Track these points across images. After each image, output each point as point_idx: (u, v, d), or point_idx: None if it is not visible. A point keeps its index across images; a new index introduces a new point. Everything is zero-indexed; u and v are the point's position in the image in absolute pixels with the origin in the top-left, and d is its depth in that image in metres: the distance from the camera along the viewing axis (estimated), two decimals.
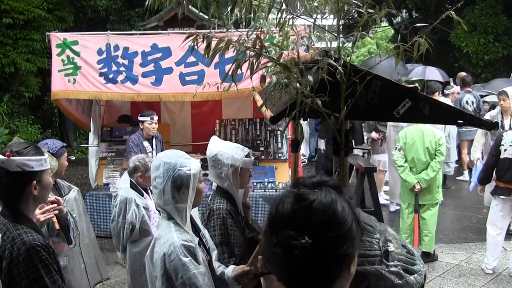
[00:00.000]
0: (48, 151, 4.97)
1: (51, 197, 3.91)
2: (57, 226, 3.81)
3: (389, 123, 10.33)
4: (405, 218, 8.07)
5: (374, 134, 10.84)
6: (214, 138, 4.33)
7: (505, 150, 7.21)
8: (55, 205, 3.77)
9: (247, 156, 4.09)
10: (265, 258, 1.62)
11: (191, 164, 3.30)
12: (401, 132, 8.23)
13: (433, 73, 14.02)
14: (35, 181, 3.05)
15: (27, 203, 3.08)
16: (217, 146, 4.13)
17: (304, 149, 14.77)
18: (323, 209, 1.55)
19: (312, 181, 1.65)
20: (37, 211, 3.66)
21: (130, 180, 5.83)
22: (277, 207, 1.59)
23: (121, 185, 6.11)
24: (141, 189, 5.80)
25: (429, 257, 7.93)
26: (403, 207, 8.15)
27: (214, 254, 3.72)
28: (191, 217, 3.53)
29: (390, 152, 9.95)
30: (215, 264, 3.66)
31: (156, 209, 3.73)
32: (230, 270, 3.63)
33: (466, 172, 12.97)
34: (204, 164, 3.54)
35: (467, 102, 12.86)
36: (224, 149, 4.07)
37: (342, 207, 1.58)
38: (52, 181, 5.10)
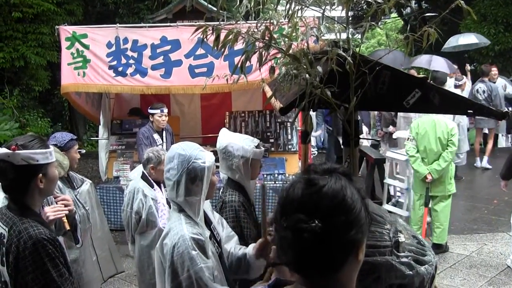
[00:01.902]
0: (56, 145, 5.00)
1: (61, 196, 3.91)
2: (67, 227, 3.81)
3: (399, 115, 10.30)
4: (416, 210, 8.04)
5: (392, 128, 10.83)
6: (224, 130, 4.33)
7: None
8: (66, 203, 3.76)
9: (257, 146, 4.09)
10: (275, 242, 1.63)
11: (205, 157, 3.29)
12: (413, 122, 8.21)
13: (439, 64, 13.75)
14: (40, 174, 3.05)
15: (33, 197, 3.08)
16: (226, 138, 4.14)
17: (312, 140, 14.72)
18: (332, 194, 1.57)
19: (322, 168, 1.67)
20: (47, 209, 3.65)
21: (142, 171, 5.85)
22: (288, 191, 1.61)
23: (133, 176, 6.12)
24: (152, 181, 5.80)
25: (440, 248, 7.91)
26: (414, 198, 8.12)
27: (235, 240, 3.70)
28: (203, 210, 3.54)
29: (400, 143, 9.92)
30: (236, 247, 3.64)
31: (167, 201, 3.73)
32: (251, 249, 3.60)
33: (478, 159, 12.97)
34: (216, 157, 3.54)
35: (477, 91, 12.78)
36: (234, 141, 4.07)
37: (352, 193, 1.61)
38: (65, 174, 5.16)
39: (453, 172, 8.12)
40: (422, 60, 14.08)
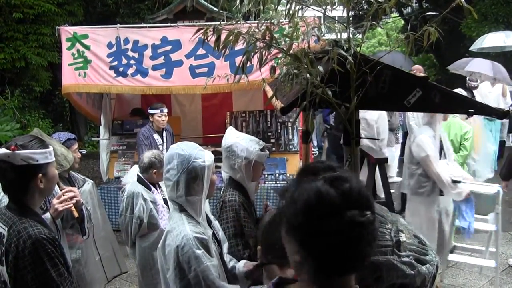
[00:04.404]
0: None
1: (67, 187, 3.93)
2: (76, 214, 3.82)
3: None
4: None
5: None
6: (231, 129, 4.34)
7: None
8: (73, 194, 3.78)
9: (262, 150, 4.10)
10: (305, 251, 1.59)
11: (205, 156, 3.30)
12: None
13: (479, 66, 12.72)
14: (40, 174, 3.06)
15: (33, 196, 3.09)
16: (232, 137, 4.15)
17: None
18: (360, 188, 1.62)
19: (323, 166, 1.69)
20: (55, 201, 3.67)
21: (138, 175, 5.84)
22: (319, 195, 1.57)
23: (129, 180, 6.11)
24: (149, 184, 5.80)
25: None
26: None
27: (225, 246, 3.73)
28: None
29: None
30: (227, 257, 3.67)
31: (168, 201, 3.73)
32: (241, 265, 3.64)
33: None
34: (216, 156, 3.54)
35: None
36: (240, 141, 4.08)
37: None
38: (66, 174, 5.17)
39: None
40: (460, 63, 13.49)
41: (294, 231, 1.61)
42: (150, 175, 5.76)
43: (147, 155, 5.82)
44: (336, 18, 3.76)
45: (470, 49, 15.11)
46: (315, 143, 14.55)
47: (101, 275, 5.63)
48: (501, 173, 7.79)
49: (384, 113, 9.55)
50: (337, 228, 1.54)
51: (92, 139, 17.42)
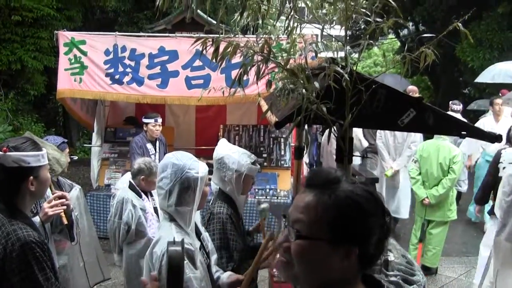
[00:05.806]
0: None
1: (58, 192, 3.92)
2: (64, 221, 3.81)
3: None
4: (416, 231, 8.04)
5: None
6: (223, 141, 4.35)
7: (504, 168, 6.72)
8: (63, 200, 3.77)
9: (253, 163, 4.10)
10: (360, 248, 1.69)
11: (199, 167, 3.30)
12: (419, 144, 8.25)
13: None
14: (31, 177, 3.04)
15: (23, 199, 3.07)
16: (224, 149, 4.15)
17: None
18: None
19: (341, 174, 1.86)
20: (45, 205, 3.66)
21: (129, 181, 5.83)
22: (373, 197, 1.75)
23: (120, 186, 6.11)
24: (140, 191, 5.80)
25: (429, 270, 7.90)
26: (416, 220, 8.14)
27: (214, 258, 3.72)
28: None
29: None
30: (213, 268, 3.66)
31: (158, 210, 3.73)
32: (226, 276, 3.63)
33: None
34: (209, 169, 3.54)
35: None
36: (231, 153, 4.09)
37: None
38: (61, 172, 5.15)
39: (454, 198, 8.05)
40: None
41: (347, 235, 1.68)
42: (138, 181, 5.76)
43: (138, 161, 5.86)
44: (334, 37, 3.78)
45: (476, 80, 14.88)
46: (307, 160, 14.52)
47: (85, 282, 5.60)
48: (476, 197, 7.61)
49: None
50: (382, 223, 1.72)
51: (84, 145, 17.35)
